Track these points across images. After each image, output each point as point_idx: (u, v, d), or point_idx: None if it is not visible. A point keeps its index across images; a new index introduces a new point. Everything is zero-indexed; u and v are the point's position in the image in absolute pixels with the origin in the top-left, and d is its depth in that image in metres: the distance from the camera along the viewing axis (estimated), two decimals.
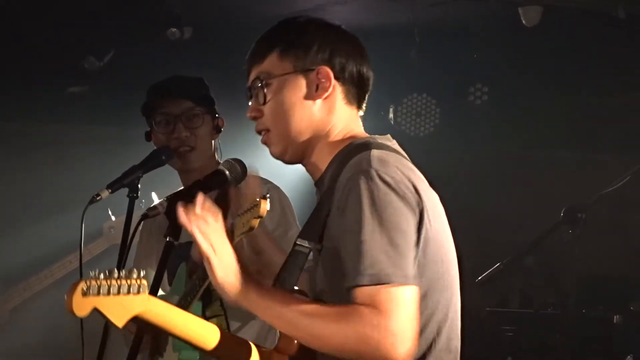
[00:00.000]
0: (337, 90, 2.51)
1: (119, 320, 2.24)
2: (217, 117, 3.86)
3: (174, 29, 5.93)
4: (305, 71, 2.49)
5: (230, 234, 2.98)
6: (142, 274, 2.27)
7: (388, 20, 5.71)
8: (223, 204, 3.70)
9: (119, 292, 2.22)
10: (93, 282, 2.20)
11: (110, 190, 3.35)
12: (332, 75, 2.49)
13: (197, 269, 3.39)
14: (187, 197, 3.06)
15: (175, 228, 2.97)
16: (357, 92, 2.55)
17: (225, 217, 3.65)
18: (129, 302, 2.24)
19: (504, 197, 6.45)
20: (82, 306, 2.19)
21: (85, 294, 2.19)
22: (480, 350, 5.04)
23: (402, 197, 2.27)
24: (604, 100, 6.24)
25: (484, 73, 6.35)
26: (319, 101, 2.50)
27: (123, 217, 3.38)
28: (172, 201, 3.00)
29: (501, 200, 6.46)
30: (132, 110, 3.89)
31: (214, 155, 3.85)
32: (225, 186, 3.14)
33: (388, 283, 2.19)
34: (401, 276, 2.20)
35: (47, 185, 6.42)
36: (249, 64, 2.58)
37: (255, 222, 2.74)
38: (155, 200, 3.95)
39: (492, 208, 6.43)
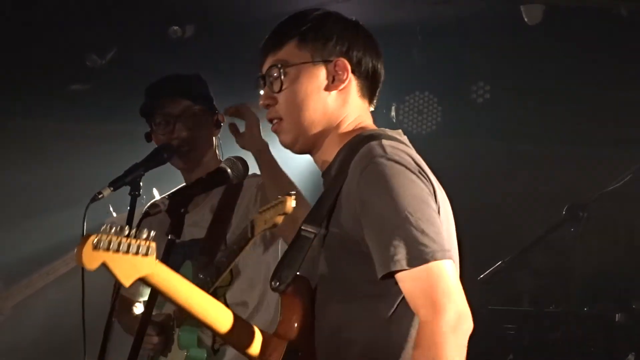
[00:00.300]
0: (352, 84, 2.53)
1: (127, 279, 2.24)
2: (217, 113, 3.85)
3: (175, 27, 5.94)
4: (323, 62, 2.51)
5: (251, 230, 2.99)
6: (151, 234, 2.27)
7: (390, 18, 5.71)
8: (230, 200, 3.74)
9: (128, 251, 2.23)
10: (104, 237, 2.20)
11: (112, 188, 3.35)
12: (349, 68, 2.52)
13: (206, 268, 3.40)
14: (189, 195, 3.07)
15: (177, 226, 2.97)
16: (370, 87, 2.58)
17: (232, 211, 3.69)
18: (137, 262, 2.25)
19: (506, 195, 6.45)
20: (91, 259, 2.20)
21: (95, 247, 2.20)
22: (482, 348, 5.05)
23: (420, 178, 2.32)
24: (607, 97, 6.23)
25: (486, 71, 6.34)
26: (334, 93, 2.51)
27: (124, 214, 3.38)
28: (173, 199, 3.00)
29: (503, 198, 6.45)
30: (134, 108, 3.89)
31: (215, 152, 3.86)
32: (227, 183, 3.15)
33: (431, 261, 2.21)
34: (440, 251, 2.23)
35: (49, 182, 6.42)
36: (265, 51, 2.57)
37: (280, 219, 2.75)
38: (157, 196, 3.96)
39: (494, 206, 6.42)
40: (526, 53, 6.11)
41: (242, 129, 3.62)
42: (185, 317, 3.50)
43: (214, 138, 3.85)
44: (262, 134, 3.55)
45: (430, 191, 2.33)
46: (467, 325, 2.22)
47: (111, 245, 2.21)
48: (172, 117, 3.75)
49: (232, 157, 3.14)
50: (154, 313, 3.13)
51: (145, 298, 3.91)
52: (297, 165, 3.88)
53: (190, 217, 3.21)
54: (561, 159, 6.40)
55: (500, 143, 6.56)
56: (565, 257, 5.49)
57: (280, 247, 3.70)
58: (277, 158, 3.54)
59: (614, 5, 5.64)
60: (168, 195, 3.04)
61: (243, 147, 3.60)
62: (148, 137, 3.84)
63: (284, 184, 3.47)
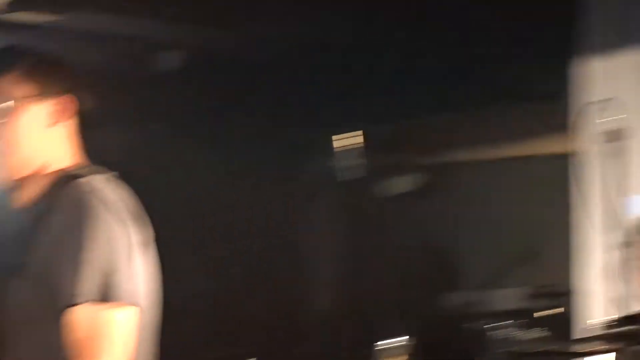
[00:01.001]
0: (72, 121, 2.50)
1: None
2: None
3: None
4: (45, 98, 2.44)
5: None
6: None
7: None
8: None
9: None
10: None
11: None
12: (71, 105, 2.47)
13: None
14: None
15: None
16: (88, 125, 2.55)
17: None
18: None
19: None
20: None
21: None
22: None
23: (115, 217, 2.33)
24: None
25: None
26: (53, 129, 2.46)
27: None
28: None
29: None
30: None
31: None
32: None
33: (110, 302, 2.25)
34: (114, 296, 2.26)
35: None
36: None
37: None
38: None
39: None
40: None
41: None
42: None
43: None
44: None
45: (125, 232, 2.35)
46: None
47: None
48: None
49: None
50: None
51: None
52: None
53: None
54: None
55: None
56: None
57: None
58: None
59: None
60: None
61: None
62: None
63: None
